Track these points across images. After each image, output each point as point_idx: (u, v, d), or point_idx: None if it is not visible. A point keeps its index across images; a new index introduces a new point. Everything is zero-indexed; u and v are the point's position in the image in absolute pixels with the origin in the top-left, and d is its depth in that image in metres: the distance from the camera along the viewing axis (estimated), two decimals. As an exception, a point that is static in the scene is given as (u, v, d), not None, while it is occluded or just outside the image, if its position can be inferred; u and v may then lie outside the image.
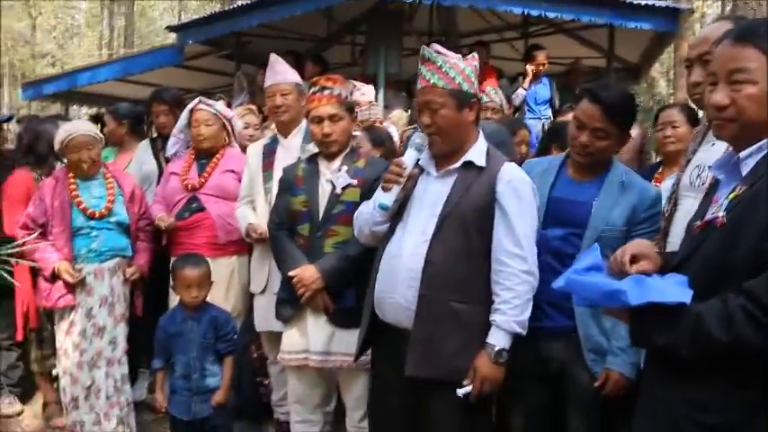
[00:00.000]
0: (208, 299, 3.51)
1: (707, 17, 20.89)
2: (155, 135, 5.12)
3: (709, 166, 2.06)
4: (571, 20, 7.55)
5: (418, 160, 2.65)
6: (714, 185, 1.88)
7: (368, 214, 2.74)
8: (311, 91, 3.20)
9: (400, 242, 2.59)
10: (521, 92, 7.02)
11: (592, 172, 2.70)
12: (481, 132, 2.69)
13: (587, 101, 2.61)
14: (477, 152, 2.60)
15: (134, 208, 3.95)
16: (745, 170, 1.71)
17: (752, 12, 7.10)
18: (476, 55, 2.70)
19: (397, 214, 2.66)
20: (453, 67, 2.54)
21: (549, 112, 7.12)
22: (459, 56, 2.64)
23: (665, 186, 3.54)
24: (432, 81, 2.53)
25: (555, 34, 8.69)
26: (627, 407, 2.20)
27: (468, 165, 2.57)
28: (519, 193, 2.53)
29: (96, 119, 5.48)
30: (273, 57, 3.88)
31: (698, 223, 1.79)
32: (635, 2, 6.94)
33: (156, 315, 3.66)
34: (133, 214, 3.93)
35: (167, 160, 4.44)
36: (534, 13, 7.03)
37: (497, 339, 2.46)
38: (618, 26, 7.35)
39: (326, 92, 3.16)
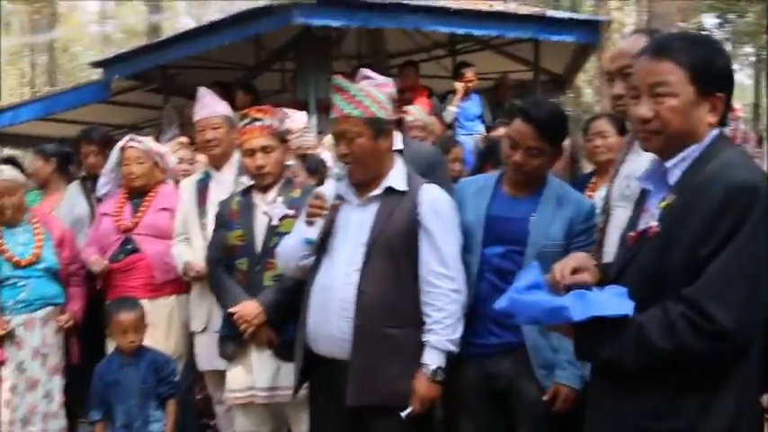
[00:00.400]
0: (148, 341, 3.42)
1: (626, 27, 21.60)
2: (83, 175, 4.96)
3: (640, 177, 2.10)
4: (497, 36, 7.70)
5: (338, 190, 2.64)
6: (643, 195, 1.92)
7: (292, 248, 2.70)
8: (242, 123, 3.16)
9: (329, 274, 2.58)
10: (452, 109, 7.07)
11: (527, 188, 2.71)
12: (398, 157, 2.70)
13: (520, 120, 2.61)
14: (398, 177, 2.61)
15: (64, 252, 3.81)
16: (672, 179, 1.75)
17: (665, 22, 7.39)
18: (390, 81, 2.71)
19: (320, 246, 2.63)
20: (367, 96, 2.55)
21: (481, 128, 7.20)
22: (376, 81, 2.66)
23: (599, 196, 3.60)
24: (346, 111, 2.53)
25: (482, 51, 8.85)
26: (575, 419, 2.20)
27: (390, 190, 2.59)
28: (441, 213, 2.57)
29: (9, 161, 5.24)
30: (202, 90, 3.82)
31: (631, 234, 1.82)
32: (557, 16, 7.13)
33: (94, 362, 3.52)
34: (63, 259, 3.79)
35: (99, 201, 4.31)
36: (461, 31, 7.18)
37: (432, 359, 2.50)
38: (542, 40, 7.54)
39: (258, 123, 3.12)
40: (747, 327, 1.58)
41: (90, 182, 4.64)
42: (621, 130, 3.49)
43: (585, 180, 3.80)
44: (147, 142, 4.05)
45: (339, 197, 2.64)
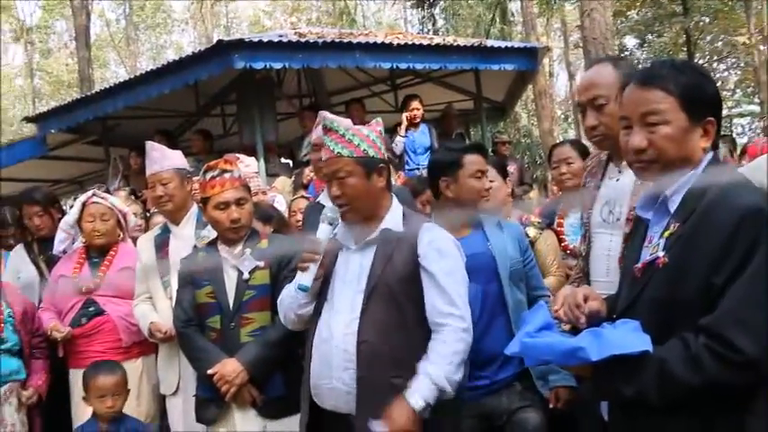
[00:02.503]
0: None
1: (552, 51, 22.24)
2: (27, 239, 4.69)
3: (635, 206, 2.09)
4: (438, 68, 7.79)
5: (334, 234, 2.55)
6: (638, 224, 1.90)
7: (290, 298, 2.59)
8: (209, 175, 3.04)
9: (329, 323, 2.46)
10: (399, 140, 7.07)
11: (468, 225, 2.88)
12: (395, 197, 2.63)
13: (471, 154, 2.93)
14: (394, 218, 2.52)
15: (27, 327, 3.56)
16: (672, 207, 1.74)
17: (600, 46, 7.60)
18: (380, 120, 2.67)
19: (320, 293, 2.54)
20: (357, 134, 2.48)
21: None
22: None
23: (569, 222, 3.63)
24: (336, 150, 2.46)
25: (423, 83, 8.93)
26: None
27: (387, 232, 2.48)
28: (442, 252, 2.43)
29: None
30: (150, 144, 3.67)
31: (638, 266, 1.78)
32: (497, 45, 7.26)
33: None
34: (26, 335, 3.53)
35: (49, 262, 4.10)
36: (403, 65, 7.22)
37: (424, 391, 2.25)
38: (483, 70, 7.65)
39: (227, 175, 3.03)
40: None
41: (36, 244, 4.43)
42: (585, 155, 3.53)
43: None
44: (111, 199, 3.91)
45: (336, 241, 2.54)
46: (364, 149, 2.47)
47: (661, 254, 1.70)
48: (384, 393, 2.32)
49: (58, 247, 3.94)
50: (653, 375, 1.60)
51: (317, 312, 2.53)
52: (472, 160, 2.88)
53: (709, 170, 1.72)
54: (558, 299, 1.89)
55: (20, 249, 4.43)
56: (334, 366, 2.41)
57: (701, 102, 1.73)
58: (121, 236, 3.91)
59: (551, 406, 2.72)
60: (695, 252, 1.62)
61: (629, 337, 1.63)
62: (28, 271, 4.27)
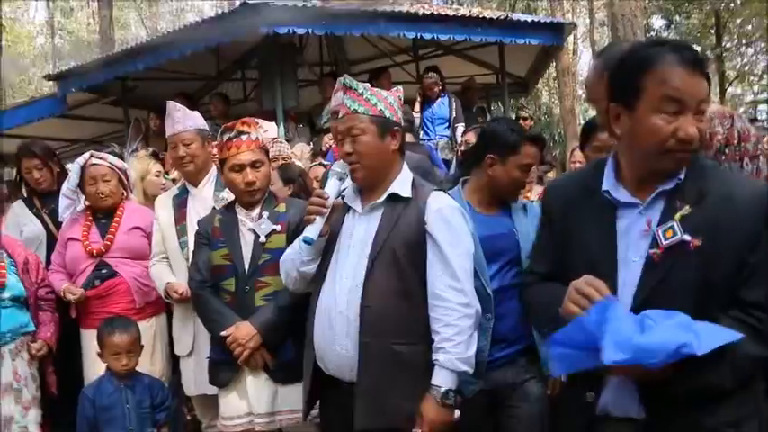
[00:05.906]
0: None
1: (578, 28, 21.88)
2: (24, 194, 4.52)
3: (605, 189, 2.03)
4: (463, 40, 7.70)
5: (343, 191, 2.52)
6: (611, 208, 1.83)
7: (294, 255, 2.57)
8: (226, 137, 3.01)
9: (333, 289, 2.43)
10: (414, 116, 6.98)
11: (498, 204, 2.84)
12: (405, 163, 2.57)
13: (531, 145, 2.78)
14: (402, 183, 2.46)
15: (31, 278, 3.56)
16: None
17: (629, 24, 7.46)
18: (400, 88, 2.62)
19: (325, 257, 2.51)
20: (375, 95, 2.45)
21: (447, 132, 7.14)
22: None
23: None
24: (352, 108, 2.43)
25: (445, 55, 8.83)
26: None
27: (394, 197, 2.43)
28: (449, 222, 2.38)
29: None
30: (171, 104, 3.59)
31: (655, 251, 1.72)
32: (523, 19, 7.16)
33: (69, 392, 3.35)
34: (31, 284, 3.54)
35: (53, 216, 4.06)
36: (427, 36, 7.13)
37: (442, 380, 2.28)
38: (507, 43, 7.55)
39: (244, 137, 2.99)
40: None
41: (37, 198, 4.33)
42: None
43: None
44: (109, 158, 3.84)
45: (342, 198, 2.51)
46: (380, 109, 2.43)
47: (688, 237, 1.67)
48: (386, 360, 2.33)
49: (63, 214, 3.84)
50: (726, 360, 1.61)
51: (322, 277, 2.50)
52: (529, 153, 2.78)
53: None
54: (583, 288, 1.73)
55: (19, 205, 4.35)
56: (337, 332, 2.39)
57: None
58: (125, 194, 3.87)
59: (549, 393, 2.78)
60: (727, 235, 1.66)
61: (717, 330, 1.59)
62: (33, 226, 4.19)
